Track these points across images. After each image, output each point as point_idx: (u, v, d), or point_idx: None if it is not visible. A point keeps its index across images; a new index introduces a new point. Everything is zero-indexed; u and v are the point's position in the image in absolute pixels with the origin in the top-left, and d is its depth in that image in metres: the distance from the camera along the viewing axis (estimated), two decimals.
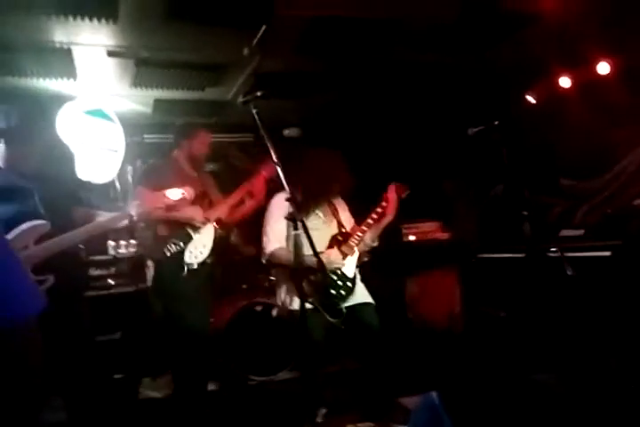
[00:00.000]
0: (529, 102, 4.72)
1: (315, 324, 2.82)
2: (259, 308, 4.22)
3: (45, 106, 4.19)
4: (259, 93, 2.56)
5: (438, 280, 4.35)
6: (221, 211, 3.37)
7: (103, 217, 2.53)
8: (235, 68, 4.13)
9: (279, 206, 3.02)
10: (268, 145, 2.48)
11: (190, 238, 3.20)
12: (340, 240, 3.12)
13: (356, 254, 3.16)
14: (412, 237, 4.71)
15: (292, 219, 2.34)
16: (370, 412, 3.10)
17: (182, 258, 3.14)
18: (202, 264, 3.23)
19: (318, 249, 2.82)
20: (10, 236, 2.16)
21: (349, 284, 3.07)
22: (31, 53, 3.55)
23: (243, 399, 3.88)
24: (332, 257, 3.02)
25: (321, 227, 3.12)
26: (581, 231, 3.43)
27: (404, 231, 4.80)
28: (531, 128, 4.50)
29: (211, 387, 4.05)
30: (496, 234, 4.06)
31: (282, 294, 3.13)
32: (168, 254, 3.13)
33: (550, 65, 4.26)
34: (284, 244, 3.05)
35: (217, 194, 3.54)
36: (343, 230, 3.21)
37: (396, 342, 3.31)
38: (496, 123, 3.00)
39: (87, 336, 2.49)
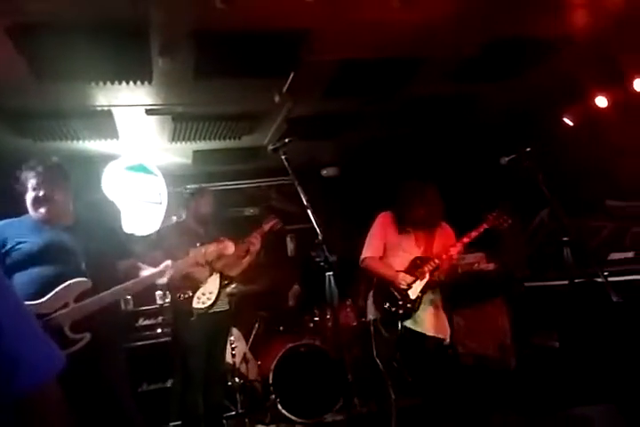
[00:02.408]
0: (567, 125, 4.63)
1: (385, 340, 3.23)
2: (303, 349, 4.21)
3: (91, 166, 4.45)
4: (286, 140, 2.64)
5: (486, 313, 4.20)
6: (225, 261, 3.59)
7: (146, 272, 2.58)
8: (268, 115, 4.28)
9: (381, 226, 3.44)
10: (298, 189, 2.53)
11: (198, 287, 3.44)
12: (418, 264, 3.29)
13: (426, 279, 3.27)
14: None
15: (325, 260, 2.35)
16: None
17: (190, 304, 3.39)
18: (212, 313, 3.47)
19: (400, 268, 3.31)
20: (49, 295, 2.22)
21: (409, 305, 3.22)
22: (76, 118, 3.81)
23: None
24: (399, 278, 3.23)
25: (411, 249, 3.36)
26: (631, 253, 3.27)
27: None
28: (571, 151, 4.39)
29: None
30: (543, 261, 3.92)
31: (368, 305, 3.44)
32: (178, 300, 3.41)
33: (585, 86, 4.19)
34: (378, 255, 3.37)
35: None
36: (426, 256, 3.35)
37: (446, 378, 3.22)
38: (528, 149, 2.95)
39: (121, 390, 2.48)
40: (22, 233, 2.40)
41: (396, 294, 3.23)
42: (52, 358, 0.90)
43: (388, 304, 3.25)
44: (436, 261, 3.25)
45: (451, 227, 3.53)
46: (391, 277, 3.26)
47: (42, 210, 2.44)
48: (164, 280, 2.62)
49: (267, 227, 3.83)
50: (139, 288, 2.49)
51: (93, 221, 2.70)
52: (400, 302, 3.22)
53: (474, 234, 3.30)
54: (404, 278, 3.23)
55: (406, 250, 3.35)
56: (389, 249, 3.40)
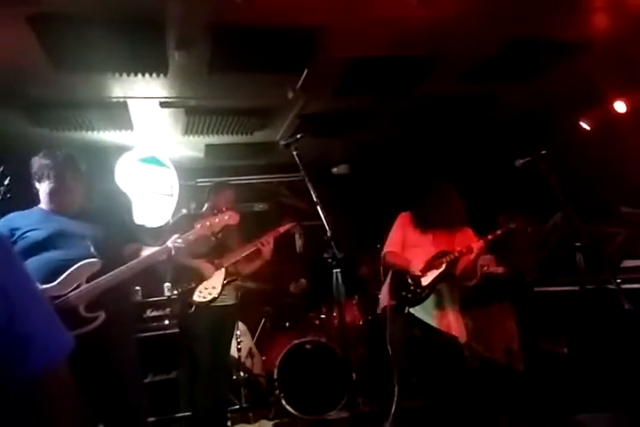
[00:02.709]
0: (584, 129, 4.58)
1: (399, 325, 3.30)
2: (309, 346, 4.21)
3: (105, 157, 4.48)
4: (298, 136, 2.63)
5: (494, 316, 4.17)
6: (234, 259, 3.62)
7: (146, 252, 2.62)
8: (281, 111, 4.28)
9: (400, 225, 3.54)
10: (309, 185, 2.52)
11: (202, 280, 3.47)
12: (438, 256, 3.35)
13: (441, 269, 3.30)
14: None
15: (333, 257, 2.34)
16: None
17: (191, 296, 3.43)
18: (218, 306, 3.49)
19: (420, 261, 3.37)
20: (62, 277, 2.30)
21: (419, 290, 3.29)
22: (92, 109, 3.83)
23: None
24: (413, 265, 3.32)
25: (425, 245, 3.41)
26: None
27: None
28: (587, 156, 4.34)
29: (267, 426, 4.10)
30: (554, 265, 3.88)
31: (382, 293, 3.58)
32: (178, 291, 3.49)
33: (603, 90, 4.14)
34: (397, 250, 3.46)
35: (237, 245, 3.76)
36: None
37: (451, 377, 3.21)
38: (543, 152, 2.92)
39: (130, 375, 2.52)
40: (32, 223, 2.46)
41: (409, 280, 3.30)
42: (63, 341, 0.93)
43: (400, 290, 3.33)
44: (456, 253, 3.29)
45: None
46: (406, 264, 3.34)
47: (58, 201, 2.53)
48: (164, 257, 2.63)
49: (282, 230, 3.78)
50: (146, 265, 2.52)
51: (103, 209, 2.77)
52: (411, 287, 3.29)
53: (499, 232, 3.26)
54: (417, 265, 3.30)
55: (424, 249, 3.40)
56: (407, 248, 3.46)
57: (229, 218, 2.96)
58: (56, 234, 2.43)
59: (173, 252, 2.64)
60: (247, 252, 3.66)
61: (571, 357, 3.38)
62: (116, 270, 2.41)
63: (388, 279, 3.51)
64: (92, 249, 2.44)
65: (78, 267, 2.34)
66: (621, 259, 3.42)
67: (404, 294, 3.31)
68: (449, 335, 3.27)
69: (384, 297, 3.49)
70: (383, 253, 3.50)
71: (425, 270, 3.29)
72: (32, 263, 2.33)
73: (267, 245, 3.61)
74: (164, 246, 2.62)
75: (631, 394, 2.74)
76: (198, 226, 2.81)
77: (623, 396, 2.81)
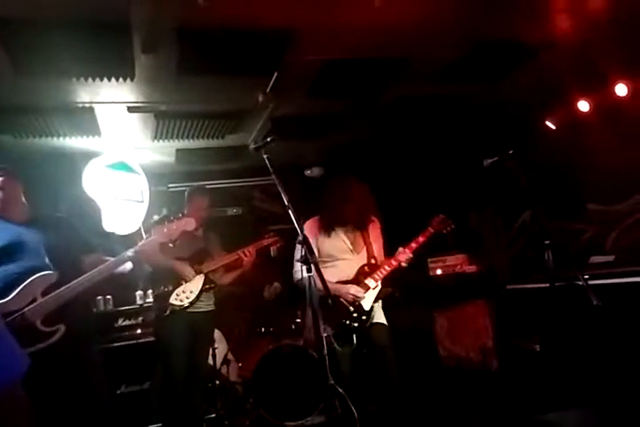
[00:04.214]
0: (549, 128, 4.68)
1: (341, 355, 2.96)
2: (285, 350, 4.18)
3: (72, 163, 4.39)
4: (268, 139, 2.61)
5: (468, 314, 4.21)
6: (214, 265, 3.63)
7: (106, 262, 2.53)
8: (252, 114, 4.24)
9: (310, 235, 3.02)
10: (280, 189, 2.50)
11: (179, 284, 3.46)
12: (366, 272, 3.16)
13: (378, 288, 3.15)
14: (439, 271, 4.62)
15: (305, 261, 2.33)
16: None
17: (167, 299, 3.41)
18: (196, 312, 3.49)
19: (344, 277, 3.15)
20: (15, 291, 2.21)
21: (364, 317, 3.08)
22: (57, 115, 3.74)
23: None
24: (352, 291, 3.05)
25: (349, 256, 3.20)
26: (612, 257, 3.30)
27: (431, 265, 4.70)
28: (553, 154, 4.43)
29: None
30: (525, 263, 3.95)
31: (308, 321, 3.25)
32: (154, 293, 3.47)
33: (568, 90, 4.23)
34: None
35: (218, 252, 3.76)
36: (372, 262, 3.22)
37: (426, 381, 3.21)
38: (510, 152, 2.97)
39: (99, 385, 2.47)
40: None
41: (349, 307, 3.04)
42: (14, 364, 0.89)
43: (338, 317, 3.02)
44: (386, 268, 3.12)
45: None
46: (343, 292, 3.04)
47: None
48: (127, 268, 2.58)
49: (265, 242, 3.82)
50: (103, 276, 2.41)
51: (53, 218, 2.69)
52: (355, 315, 3.05)
53: (421, 239, 3.18)
54: (358, 292, 3.05)
55: (340, 257, 3.20)
56: (322, 257, 3.16)
57: (186, 224, 2.85)
58: (11, 244, 2.33)
59: (130, 265, 2.57)
60: (228, 260, 3.67)
61: (543, 353, 3.43)
62: (73, 282, 2.32)
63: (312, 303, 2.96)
64: (47, 260, 2.36)
65: (33, 280, 2.25)
66: (589, 255, 3.50)
67: (346, 322, 3.02)
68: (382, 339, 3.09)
69: (315, 324, 2.92)
70: (295, 279, 3.14)
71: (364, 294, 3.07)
72: None
73: (249, 256, 3.65)
74: (119, 257, 2.52)
75: (602, 390, 2.79)
76: (154, 234, 2.71)
77: (594, 392, 2.86)
